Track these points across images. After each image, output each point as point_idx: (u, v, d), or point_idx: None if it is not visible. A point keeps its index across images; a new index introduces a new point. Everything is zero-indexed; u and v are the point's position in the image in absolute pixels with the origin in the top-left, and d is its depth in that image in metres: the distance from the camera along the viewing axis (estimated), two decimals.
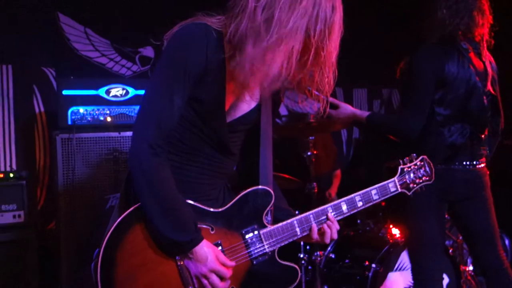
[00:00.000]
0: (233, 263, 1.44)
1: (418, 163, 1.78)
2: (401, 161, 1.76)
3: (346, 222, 3.56)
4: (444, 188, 2.26)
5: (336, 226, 1.57)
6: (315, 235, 1.55)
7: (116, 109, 2.74)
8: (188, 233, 1.36)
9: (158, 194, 1.35)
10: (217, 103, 1.43)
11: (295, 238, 1.54)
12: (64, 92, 2.68)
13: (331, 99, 2.47)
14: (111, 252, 1.35)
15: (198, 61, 1.36)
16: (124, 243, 1.36)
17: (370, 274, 2.85)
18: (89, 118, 2.69)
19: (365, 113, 2.38)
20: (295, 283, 1.55)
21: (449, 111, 2.25)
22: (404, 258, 2.89)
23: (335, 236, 1.57)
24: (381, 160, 3.59)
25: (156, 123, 1.35)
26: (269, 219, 1.55)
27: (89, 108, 2.70)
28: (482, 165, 2.32)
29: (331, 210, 1.58)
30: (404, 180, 1.74)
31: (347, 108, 2.42)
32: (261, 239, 1.50)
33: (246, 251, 1.49)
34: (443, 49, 2.24)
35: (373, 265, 2.86)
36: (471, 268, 3.26)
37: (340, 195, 1.55)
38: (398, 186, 1.72)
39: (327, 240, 1.56)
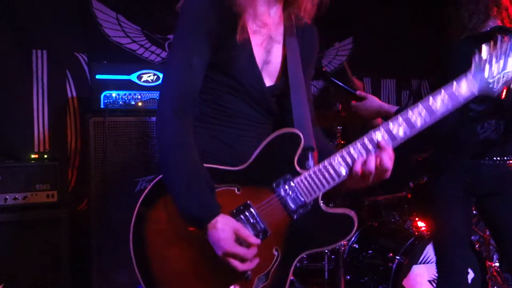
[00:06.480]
0: (258, 241, 1.27)
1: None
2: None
3: (370, 213, 3.55)
4: (472, 181, 2.23)
5: (389, 153, 1.28)
6: (358, 168, 1.28)
7: (147, 94, 2.79)
8: (198, 207, 1.24)
9: (174, 160, 1.28)
10: (248, 59, 1.39)
11: (340, 179, 1.30)
12: (98, 76, 2.74)
13: (358, 92, 2.46)
14: (141, 224, 1.32)
15: (213, 16, 1.32)
16: (153, 212, 1.32)
17: (393, 265, 2.84)
18: (120, 103, 2.74)
19: (393, 108, 2.35)
20: (352, 234, 1.32)
21: (484, 107, 2.20)
22: (429, 251, 2.87)
23: (389, 164, 1.27)
24: (409, 152, 3.56)
25: (175, 87, 1.33)
26: (310, 164, 1.35)
27: (121, 93, 2.76)
28: None
29: (379, 135, 1.30)
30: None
31: (373, 101, 2.38)
32: (296, 189, 1.31)
33: (281, 206, 1.31)
34: (479, 42, 2.19)
35: (398, 257, 2.84)
36: (497, 264, 3.21)
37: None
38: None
39: (386, 175, 1.29)
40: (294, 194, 1.31)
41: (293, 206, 1.32)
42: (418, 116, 1.31)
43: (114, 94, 2.74)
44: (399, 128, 1.30)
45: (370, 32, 4.26)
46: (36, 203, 2.61)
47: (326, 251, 3.10)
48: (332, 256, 3.15)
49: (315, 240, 1.33)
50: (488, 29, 2.22)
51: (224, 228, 1.24)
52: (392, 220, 3.38)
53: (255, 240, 1.27)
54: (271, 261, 1.30)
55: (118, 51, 3.48)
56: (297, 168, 1.34)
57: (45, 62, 3.27)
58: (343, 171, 1.30)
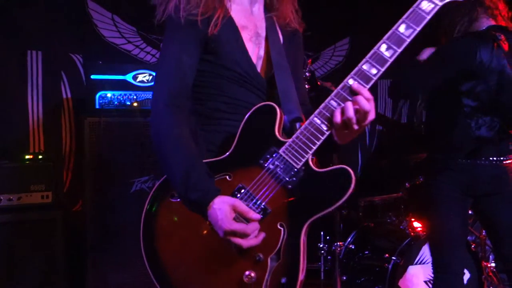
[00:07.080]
0: (257, 215, 1.27)
1: None
2: None
3: (366, 214, 3.54)
4: (468, 182, 2.23)
5: (364, 94, 1.25)
6: (338, 118, 1.26)
7: (142, 95, 2.79)
8: (197, 192, 1.26)
9: (172, 150, 1.31)
10: (241, 52, 1.43)
11: (324, 135, 1.29)
12: (93, 77, 2.73)
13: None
14: (151, 220, 1.36)
15: (200, 14, 1.36)
16: (163, 206, 1.36)
17: (389, 266, 2.83)
18: (116, 103, 2.74)
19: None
20: (352, 186, 1.26)
21: (478, 103, 2.20)
22: (425, 252, 2.87)
23: (367, 106, 1.25)
24: (406, 153, 3.55)
25: (167, 84, 1.36)
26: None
27: (117, 93, 2.75)
28: (510, 161, 2.27)
29: (352, 81, 1.27)
30: None
31: None
32: (283, 158, 1.31)
33: (273, 180, 1.31)
34: (476, 39, 2.19)
35: (393, 258, 2.84)
36: (493, 264, 3.22)
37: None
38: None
39: (369, 117, 1.26)
40: (283, 164, 1.31)
41: (285, 177, 1.31)
42: (386, 49, 1.29)
43: (109, 94, 2.74)
44: (370, 67, 1.28)
45: (367, 32, 4.26)
46: (30, 204, 2.61)
47: (323, 251, 3.10)
48: (328, 257, 3.14)
49: (316, 205, 1.29)
50: (483, 28, 2.22)
51: (220, 207, 1.24)
52: (388, 220, 3.38)
53: (254, 215, 1.27)
54: (278, 238, 1.29)
55: (113, 51, 3.48)
56: (280, 138, 1.34)
57: (40, 63, 3.26)
58: (324, 126, 1.29)
